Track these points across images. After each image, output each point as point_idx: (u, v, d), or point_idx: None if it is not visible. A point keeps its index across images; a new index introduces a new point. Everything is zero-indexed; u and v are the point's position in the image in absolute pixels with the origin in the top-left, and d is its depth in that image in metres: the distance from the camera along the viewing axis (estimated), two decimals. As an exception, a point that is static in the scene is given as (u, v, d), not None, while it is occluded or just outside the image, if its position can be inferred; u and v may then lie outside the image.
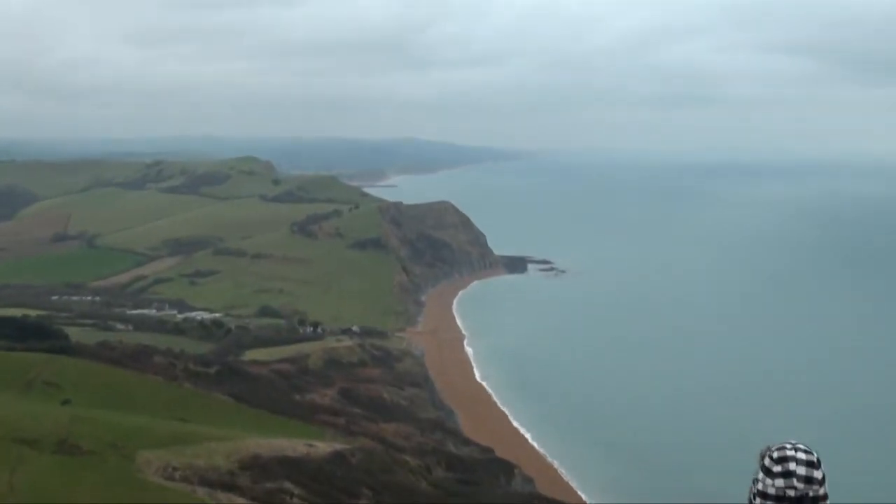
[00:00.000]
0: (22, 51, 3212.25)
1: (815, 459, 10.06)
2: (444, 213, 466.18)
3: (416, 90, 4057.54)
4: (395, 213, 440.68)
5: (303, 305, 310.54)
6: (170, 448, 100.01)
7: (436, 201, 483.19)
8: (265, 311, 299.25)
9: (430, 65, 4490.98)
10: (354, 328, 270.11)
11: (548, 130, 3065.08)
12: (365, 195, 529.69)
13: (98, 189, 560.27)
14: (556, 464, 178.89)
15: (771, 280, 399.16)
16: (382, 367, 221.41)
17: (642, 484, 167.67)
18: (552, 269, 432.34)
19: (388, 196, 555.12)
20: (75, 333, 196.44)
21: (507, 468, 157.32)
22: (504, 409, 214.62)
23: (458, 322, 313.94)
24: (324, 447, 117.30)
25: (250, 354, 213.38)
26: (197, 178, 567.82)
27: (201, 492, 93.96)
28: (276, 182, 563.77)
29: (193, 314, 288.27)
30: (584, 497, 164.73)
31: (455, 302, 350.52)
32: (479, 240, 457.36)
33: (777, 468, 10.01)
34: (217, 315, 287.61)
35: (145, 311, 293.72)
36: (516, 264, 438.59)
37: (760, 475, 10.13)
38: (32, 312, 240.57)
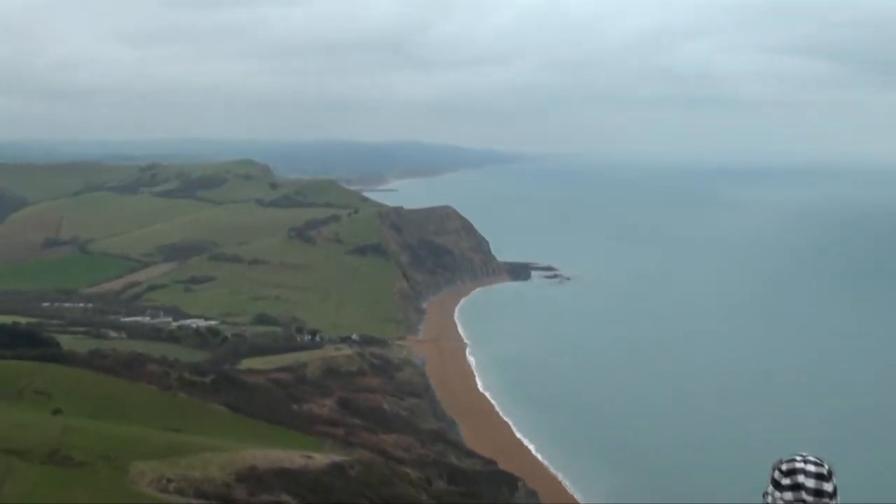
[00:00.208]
0: (13, 50, 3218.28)
1: (825, 472, 10.11)
2: (445, 219, 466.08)
3: (417, 91, 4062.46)
4: (396, 218, 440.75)
5: (301, 313, 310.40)
6: (164, 459, 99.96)
7: (437, 206, 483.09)
8: (262, 319, 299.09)
9: (432, 65, 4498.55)
10: (354, 336, 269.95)
11: (552, 132, 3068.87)
12: (364, 199, 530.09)
13: (91, 193, 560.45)
14: (560, 476, 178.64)
15: (779, 285, 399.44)
16: (382, 377, 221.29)
17: (648, 497, 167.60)
18: (556, 275, 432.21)
19: (389, 200, 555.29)
20: (67, 341, 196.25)
21: (510, 481, 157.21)
22: (507, 419, 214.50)
23: (460, 330, 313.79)
24: (322, 459, 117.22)
25: (247, 363, 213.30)
26: (192, 182, 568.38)
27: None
28: (274, 186, 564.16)
29: (188, 322, 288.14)
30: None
31: (457, 310, 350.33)
32: (481, 246, 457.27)
33: (786, 481, 10.07)
34: (213, 323, 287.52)
35: (139, 319, 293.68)
36: (520, 271, 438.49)
37: (770, 488, 10.20)
38: (23, 319, 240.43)
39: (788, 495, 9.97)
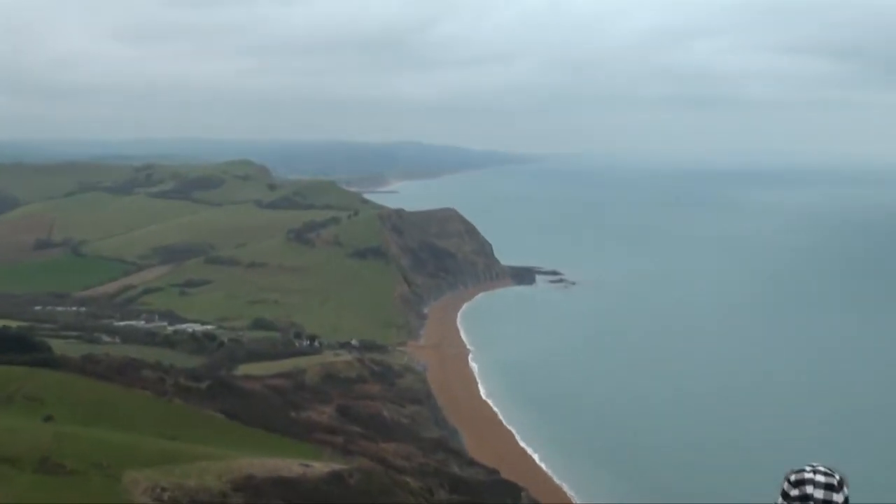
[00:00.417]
0: (7, 48, 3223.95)
1: (835, 482, 10.08)
2: (447, 221, 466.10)
3: (419, 91, 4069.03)
4: (397, 221, 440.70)
5: (299, 317, 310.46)
6: (158, 467, 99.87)
7: (439, 208, 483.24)
8: (260, 324, 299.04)
9: (433, 65, 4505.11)
10: (353, 342, 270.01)
11: (556, 133, 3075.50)
12: (365, 201, 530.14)
13: (84, 193, 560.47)
14: (565, 486, 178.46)
15: (783, 288, 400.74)
16: (382, 383, 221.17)
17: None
18: (562, 280, 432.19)
19: (389, 202, 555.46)
20: (59, 346, 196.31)
21: (513, 490, 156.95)
22: (510, 427, 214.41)
23: (463, 336, 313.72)
24: (320, 467, 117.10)
25: (244, 369, 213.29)
26: (189, 183, 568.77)
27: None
28: (272, 187, 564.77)
29: (184, 326, 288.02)
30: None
31: (459, 315, 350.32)
32: (484, 249, 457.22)
33: (794, 492, 10.05)
34: (209, 327, 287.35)
35: (133, 323, 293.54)
36: (524, 275, 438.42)
37: (780, 500, 10.20)
38: (13, 323, 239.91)
39: (797, 507, 9.98)
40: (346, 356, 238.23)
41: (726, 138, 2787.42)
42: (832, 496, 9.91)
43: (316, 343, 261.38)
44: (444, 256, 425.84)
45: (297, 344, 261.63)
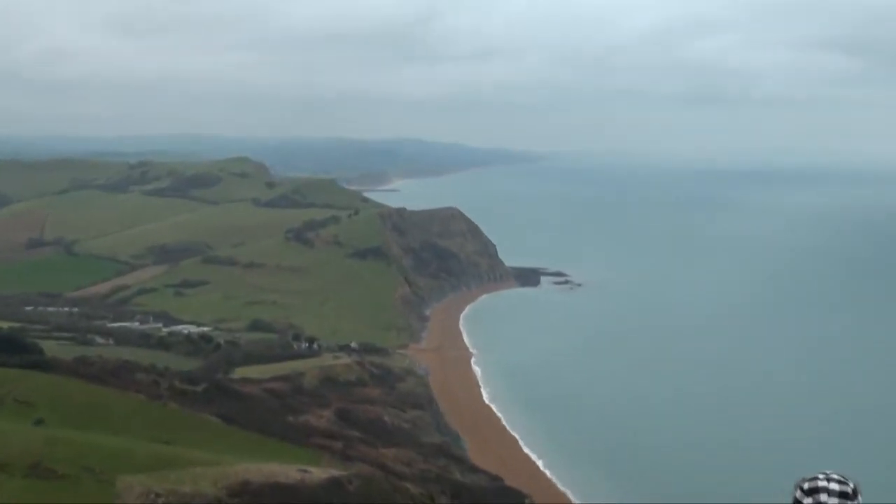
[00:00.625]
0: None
1: (850, 490, 10.04)
2: (450, 221, 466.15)
3: (422, 87, 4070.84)
4: (398, 220, 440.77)
5: (298, 319, 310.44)
6: (152, 473, 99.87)
7: (442, 207, 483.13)
8: (257, 325, 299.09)
9: (437, 60, 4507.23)
10: (353, 344, 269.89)
11: (563, 131, 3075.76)
12: (365, 200, 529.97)
13: (77, 191, 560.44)
14: (569, 493, 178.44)
15: (794, 291, 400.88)
16: (383, 387, 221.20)
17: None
18: (567, 282, 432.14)
19: (391, 201, 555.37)
20: (51, 347, 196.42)
21: (517, 498, 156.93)
22: (514, 433, 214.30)
23: (466, 339, 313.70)
24: (319, 473, 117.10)
25: (240, 372, 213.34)
26: (185, 181, 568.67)
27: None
28: (271, 185, 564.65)
29: (179, 328, 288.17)
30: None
31: (462, 317, 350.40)
32: (488, 249, 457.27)
33: (808, 500, 10.01)
34: (205, 329, 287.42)
35: (127, 324, 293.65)
36: (529, 277, 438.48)
37: (792, 508, 10.16)
38: (4, 324, 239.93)
39: (810, 516, 9.92)
40: (345, 359, 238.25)
41: (736, 137, 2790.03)
42: (846, 504, 9.87)
43: (315, 345, 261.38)
44: (447, 257, 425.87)
45: (295, 346, 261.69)
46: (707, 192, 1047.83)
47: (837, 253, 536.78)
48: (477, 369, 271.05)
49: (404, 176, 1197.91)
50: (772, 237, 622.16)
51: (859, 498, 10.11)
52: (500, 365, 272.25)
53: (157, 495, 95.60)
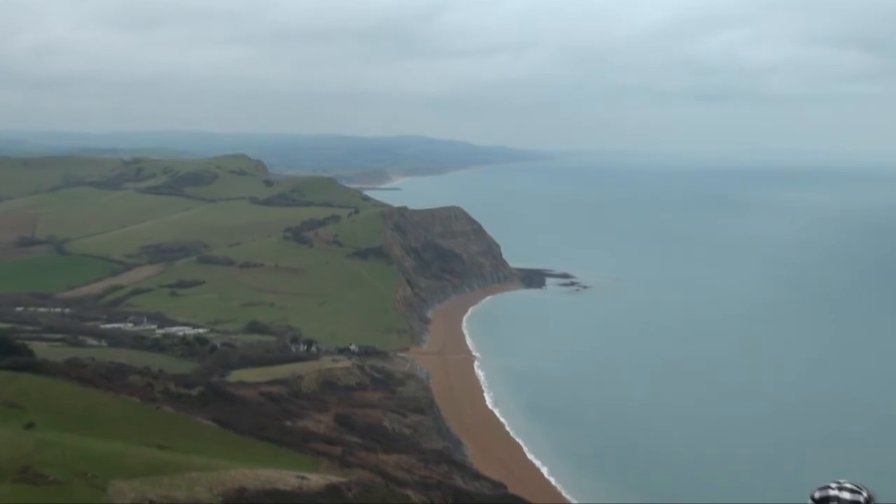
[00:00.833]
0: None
1: (863, 499, 10.02)
2: (453, 220, 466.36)
3: (424, 83, 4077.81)
4: (400, 220, 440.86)
5: (296, 321, 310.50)
6: (146, 478, 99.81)
7: (444, 206, 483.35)
8: (254, 327, 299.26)
9: (439, 55, 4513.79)
10: (353, 347, 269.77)
11: (568, 129, 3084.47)
12: (366, 199, 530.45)
13: (69, 188, 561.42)
14: (574, 501, 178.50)
15: (805, 295, 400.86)
16: (383, 391, 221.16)
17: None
18: (573, 283, 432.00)
19: (392, 200, 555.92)
20: (42, 349, 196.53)
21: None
22: (518, 439, 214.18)
23: (468, 342, 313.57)
24: (317, 480, 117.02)
25: (237, 375, 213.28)
26: (180, 178, 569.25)
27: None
28: (269, 183, 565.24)
29: (174, 329, 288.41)
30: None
31: (465, 319, 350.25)
32: (492, 250, 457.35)
33: (819, 511, 10.01)
34: (201, 330, 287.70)
35: (121, 326, 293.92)
36: (534, 278, 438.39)
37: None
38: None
39: (822, 526, 9.90)
40: (344, 362, 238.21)
41: (747, 135, 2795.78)
42: (859, 513, 9.86)
43: (313, 348, 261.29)
44: (450, 257, 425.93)
45: (293, 349, 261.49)
46: (718, 191, 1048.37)
47: (852, 254, 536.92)
48: (480, 373, 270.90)
49: (406, 174, 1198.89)
50: (785, 238, 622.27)
51: (872, 507, 10.09)
52: (504, 369, 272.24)
53: (151, 501, 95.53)
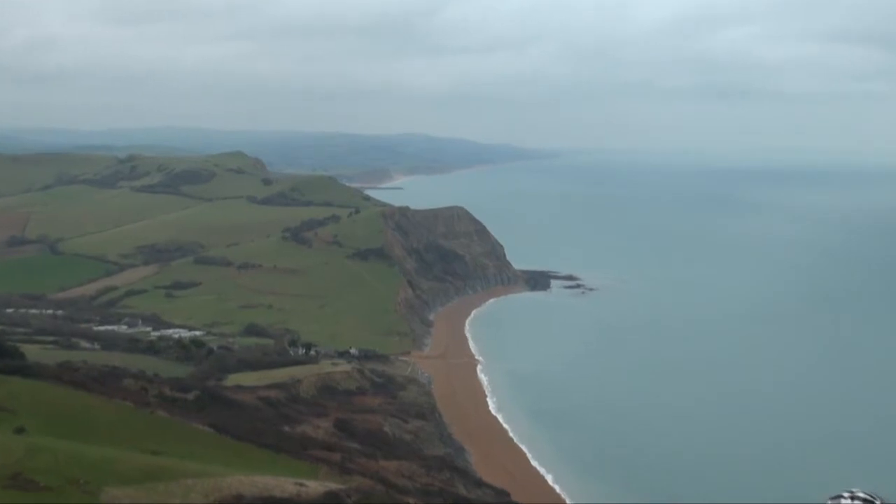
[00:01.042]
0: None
1: (875, 509, 10.01)
2: (456, 220, 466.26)
3: (426, 80, 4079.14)
4: (401, 220, 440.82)
5: (295, 324, 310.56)
6: (140, 485, 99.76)
7: (447, 206, 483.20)
8: (252, 330, 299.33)
9: (442, 51, 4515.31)
10: (353, 350, 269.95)
11: (574, 127, 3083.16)
12: (367, 198, 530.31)
13: (62, 187, 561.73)
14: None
15: (814, 298, 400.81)
16: (384, 396, 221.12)
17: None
18: (579, 286, 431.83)
19: (394, 200, 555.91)
20: (33, 352, 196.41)
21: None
22: (521, 445, 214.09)
23: (471, 345, 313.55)
24: (316, 487, 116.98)
25: (234, 379, 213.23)
26: (176, 176, 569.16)
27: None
28: (267, 182, 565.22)
29: (170, 332, 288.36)
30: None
31: (468, 322, 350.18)
32: (496, 251, 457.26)
33: (830, 522, 9.98)
34: (197, 333, 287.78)
35: (114, 328, 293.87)
36: (538, 280, 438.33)
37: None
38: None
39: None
40: (344, 366, 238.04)
41: (757, 133, 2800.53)
42: (872, 524, 9.83)
43: (312, 351, 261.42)
44: (452, 259, 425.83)
45: (292, 352, 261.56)
46: (726, 191, 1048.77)
47: (857, 255, 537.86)
48: (483, 378, 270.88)
49: (408, 173, 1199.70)
50: (794, 238, 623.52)
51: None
52: (508, 373, 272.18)
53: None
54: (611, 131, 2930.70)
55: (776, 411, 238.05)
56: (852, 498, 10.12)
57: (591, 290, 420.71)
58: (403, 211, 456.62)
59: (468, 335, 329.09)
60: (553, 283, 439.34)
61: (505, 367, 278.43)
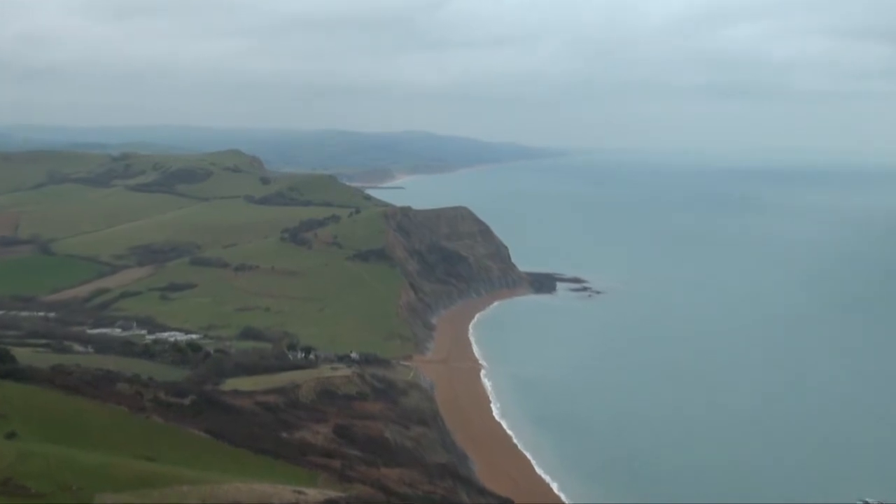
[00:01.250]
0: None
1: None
2: (459, 221, 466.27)
3: (429, 76, 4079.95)
4: (403, 220, 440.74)
5: (293, 327, 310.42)
6: (134, 491, 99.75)
7: (450, 206, 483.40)
8: (249, 333, 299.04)
9: (446, 46, 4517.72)
10: (353, 355, 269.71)
11: (581, 125, 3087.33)
12: (368, 198, 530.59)
13: (55, 185, 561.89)
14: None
15: (829, 301, 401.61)
16: (385, 401, 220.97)
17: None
18: (585, 288, 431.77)
19: (395, 199, 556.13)
20: (24, 355, 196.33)
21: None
22: (526, 452, 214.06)
23: (475, 350, 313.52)
24: (315, 495, 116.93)
25: (231, 383, 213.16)
26: (172, 175, 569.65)
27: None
28: (265, 181, 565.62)
29: (165, 335, 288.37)
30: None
31: (471, 326, 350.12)
32: (500, 253, 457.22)
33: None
34: (193, 336, 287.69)
35: (108, 331, 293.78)
36: (544, 282, 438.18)
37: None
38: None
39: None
40: (344, 370, 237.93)
41: (767, 132, 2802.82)
42: (888, 534, 9.91)
43: (311, 355, 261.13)
44: (456, 260, 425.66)
45: (290, 356, 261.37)
46: (737, 191, 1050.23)
47: (873, 257, 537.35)
48: (487, 383, 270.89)
49: (410, 172, 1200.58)
50: (806, 239, 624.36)
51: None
52: (513, 378, 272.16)
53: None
54: (619, 130, 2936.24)
55: (788, 418, 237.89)
56: (867, 508, 10.19)
57: (597, 292, 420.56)
58: (405, 211, 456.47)
59: (472, 339, 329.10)
60: (559, 285, 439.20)
61: (509, 372, 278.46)
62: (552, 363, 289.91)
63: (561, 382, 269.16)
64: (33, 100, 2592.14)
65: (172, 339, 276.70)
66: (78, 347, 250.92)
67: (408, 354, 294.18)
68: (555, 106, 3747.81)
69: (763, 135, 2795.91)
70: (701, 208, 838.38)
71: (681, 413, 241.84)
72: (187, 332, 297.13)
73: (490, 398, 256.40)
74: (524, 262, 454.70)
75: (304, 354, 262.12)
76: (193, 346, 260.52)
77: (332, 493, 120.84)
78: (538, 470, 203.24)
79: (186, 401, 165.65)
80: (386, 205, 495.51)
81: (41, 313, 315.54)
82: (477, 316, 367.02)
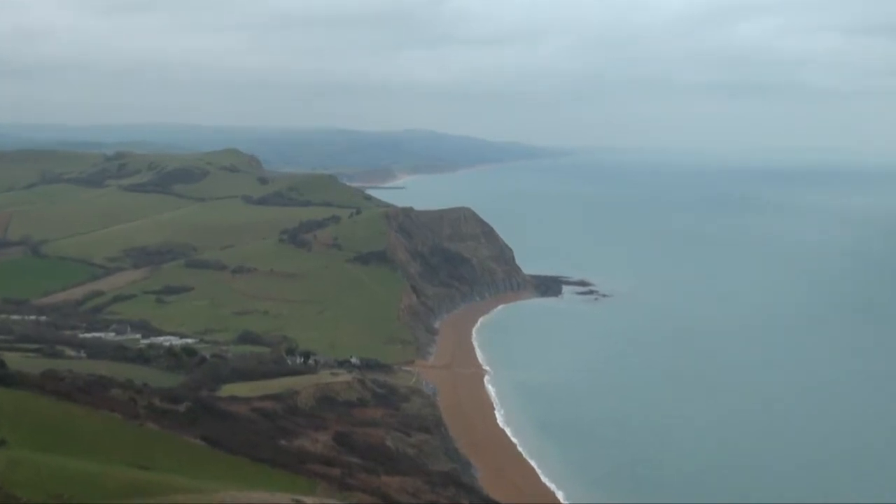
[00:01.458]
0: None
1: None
2: (462, 222, 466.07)
3: (431, 73, 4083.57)
4: (404, 221, 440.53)
5: (292, 331, 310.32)
6: (127, 500, 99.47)
7: (453, 207, 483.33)
8: (247, 337, 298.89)
9: (448, 43, 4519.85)
10: (353, 360, 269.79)
11: (587, 124, 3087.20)
12: (368, 198, 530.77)
13: (47, 185, 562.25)
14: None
15: (838, 303, 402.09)
16: (386, 408, 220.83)
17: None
18: (592, 292, 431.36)
19: (396, 200, 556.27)
20: (15, 360, 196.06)
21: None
22: (531, 460, 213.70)
23: (478, 355, 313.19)
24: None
25: (228, 389, 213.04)
26: (167, 175, 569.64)
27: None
28: (263, 181, 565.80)
29: (160, 339, 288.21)
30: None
31: (474, 330, 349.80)
32: (504, 255, 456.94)
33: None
34: (189, 341, 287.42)
35: (102, 335, 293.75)
36: (549, 286, 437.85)
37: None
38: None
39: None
40: (344, 376, 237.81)
41: (777, 131, 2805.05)
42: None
43: (311, 361, 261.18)
44: (459, 263, 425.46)
45: (289, 361, 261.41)
46: (745, 192, 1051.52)
47: (879, 258, 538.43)
48: (491, 389, 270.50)
49: (411, 172, 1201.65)
50: (807, 240, 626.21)
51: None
52: (517, 384, 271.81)
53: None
54: (624, 129, 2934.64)
55: (796, 423, 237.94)
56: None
57: (604, 296, 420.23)
58: (407, 212, 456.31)
59: (475, 344, 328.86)
60: (565, 288, 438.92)
61: (514, 378, 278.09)
62: (558, 368, 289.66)
63: (567, 388, 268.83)
64: (25, 97, 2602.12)
65: (167, 344, 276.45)
66: (70, 352, 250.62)
67: (409, 359, 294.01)
68: (560, 104, 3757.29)
69: (763, 134, 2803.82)
70: (702, 208, 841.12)
71: (691, 420, 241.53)
72: (183, 336, 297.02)
73: (494, 404, 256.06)
74: (529, 264, 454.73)
75: (303, 359, 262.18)
76: (189, 351, 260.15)
77: (332, 502, 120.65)
78: (543, 478, 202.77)
79: (182, 407, 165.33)
80: (387, 205, 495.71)
81: (32, 317, 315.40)
82: (480, 320, 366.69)
